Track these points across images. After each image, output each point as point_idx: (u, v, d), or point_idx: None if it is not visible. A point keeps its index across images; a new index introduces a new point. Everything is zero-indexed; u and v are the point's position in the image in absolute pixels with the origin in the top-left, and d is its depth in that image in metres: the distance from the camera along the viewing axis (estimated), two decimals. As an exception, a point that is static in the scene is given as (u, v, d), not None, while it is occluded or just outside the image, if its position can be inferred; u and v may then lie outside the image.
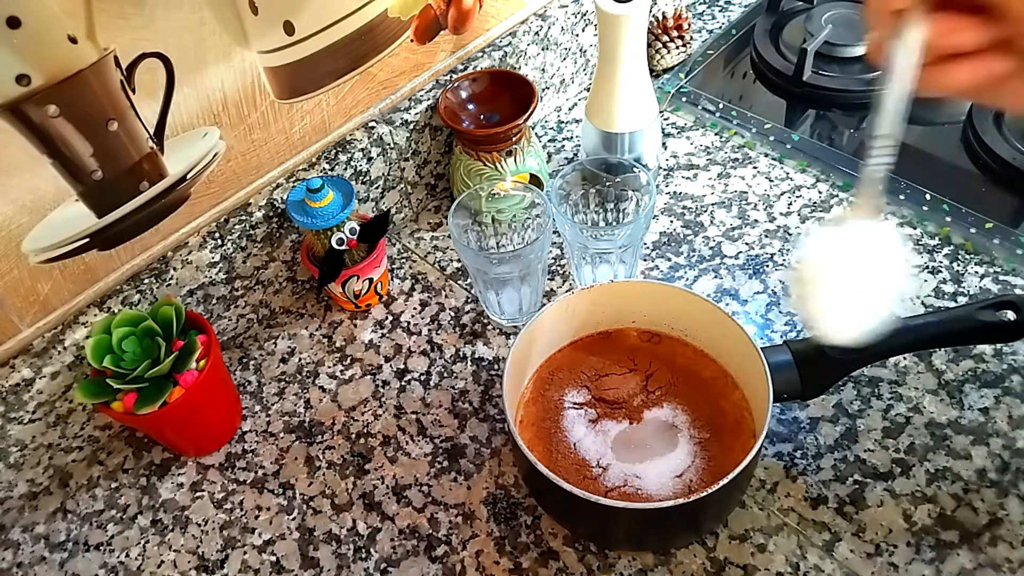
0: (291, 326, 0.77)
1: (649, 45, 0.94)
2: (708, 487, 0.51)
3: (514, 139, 0.76)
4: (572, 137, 0.91)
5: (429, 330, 0.75)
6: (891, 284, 0.41)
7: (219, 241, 0.70)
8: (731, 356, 0.63)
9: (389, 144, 0.77)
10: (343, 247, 0.70)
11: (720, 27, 1.02)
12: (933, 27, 0.37)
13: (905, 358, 0.67)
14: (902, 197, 0.78)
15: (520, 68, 0.85)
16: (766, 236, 0.78)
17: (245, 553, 0.62)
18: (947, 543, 0.57)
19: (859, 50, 0.92)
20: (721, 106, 0.90)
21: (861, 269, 0.41)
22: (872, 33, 0.38)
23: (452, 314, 0.76)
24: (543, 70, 0.89)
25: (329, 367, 0.74)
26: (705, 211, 0.81)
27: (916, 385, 0.66)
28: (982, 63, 0.37)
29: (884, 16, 0.37)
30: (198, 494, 0.66)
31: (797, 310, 0.42)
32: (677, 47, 0.95)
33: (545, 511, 0.61)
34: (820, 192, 0.81)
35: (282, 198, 0.72)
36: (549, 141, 0.91)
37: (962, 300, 0.71)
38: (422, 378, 0.72)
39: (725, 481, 0.51)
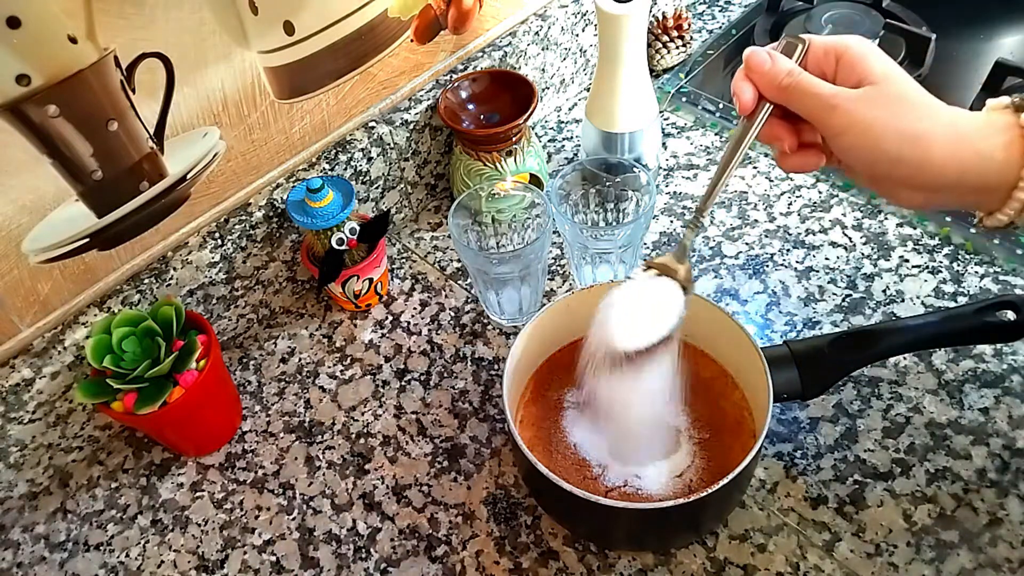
0: (291, 326, 0.77)
1: (649, 45, 0.94)
2: (708, 487, 0.51)
3: (514, 139, 0.76)
4: (572, 137, 0.91)
5: (429, 330, 0.75)
6: (661, 322, 0.52)
7: (219, 241, 0.70)
8: (731, 356, 0.63)
9: (389, 144, 0.77)
10: (343, 247, 0.70)
11: (720, 27, 1.02)
12: (764, 131, 0.50)
13: (905, 358, 0.67)
14: (902, 197, 0.78)
15: (520, 68, 0.85)
16: (766, 236, 0.78)
17: (245, 553, 0.62)
18: (947, 543, 0.57)
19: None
20: (721, 106, 0.90)
21: (643, 307, 0.53)
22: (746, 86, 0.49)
23: (452, 314, 0.76)
24: (543, 70, 0.89)
25: (329, 367, 0.74)
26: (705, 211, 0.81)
27: (916, 385, 0.66)
28: (804, 158, 0.51)
29: (738, 101, 0.49)
30: (198, 494, 0.66)
31: (594, 331, 0.54)
32: (677, 47, 0.95)
33: (545, 511, 0.61)
34: (820, 192, 0.81)
35: (282, 198, 0.72)
36: (549, 141, 0.91)
37: (962, 300, 0.71)
38: (422, 378, 0.72)
39: (725, 481, 0.51)
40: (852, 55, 0.47)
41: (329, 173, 0.74)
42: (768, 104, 0.49)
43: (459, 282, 0.79)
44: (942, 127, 0.45)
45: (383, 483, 0.65)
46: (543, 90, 0.91)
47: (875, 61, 0.46)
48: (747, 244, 0.77)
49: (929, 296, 0.71)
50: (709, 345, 0.65)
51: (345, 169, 0.75)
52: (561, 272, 0.78)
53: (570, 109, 0.95)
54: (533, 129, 0.88)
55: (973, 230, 0.74)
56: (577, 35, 0.90)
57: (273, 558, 0.62)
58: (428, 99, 0.79)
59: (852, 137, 0.46)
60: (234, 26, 0.62)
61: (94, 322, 0.64)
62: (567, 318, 0.65)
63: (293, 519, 0.64)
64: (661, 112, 0.91)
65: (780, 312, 0.72)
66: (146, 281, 0.67)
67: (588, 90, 0.82)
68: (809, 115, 0.47)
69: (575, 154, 0.89)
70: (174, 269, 0.68)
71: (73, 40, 0.54)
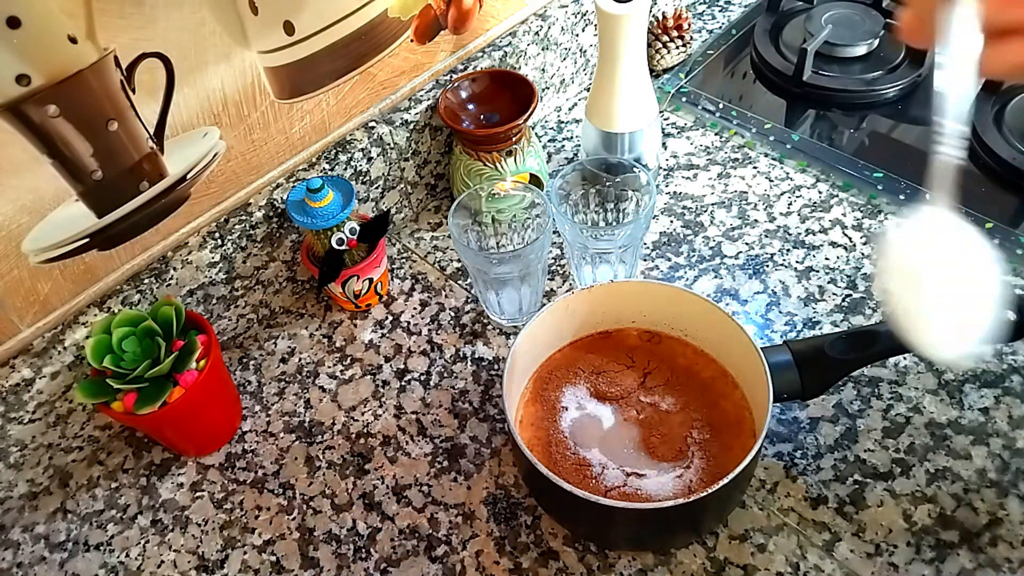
0: (291, 326, 0.77)
1: (649, 45, 0.94)
2: (708, 487, 0.51)
3: (514, 139, 0.76)
4: (572, 137, 0.91)
5: (429, 330, 0.75)
6: (986, 289, 0.35)
7: (219, 241, 0.70)
8: (731, 356, 0.63)
9: (389, 144, 0.77)
10: (343, 247, 0.70)
11: (720, 27, 1.02)
12: (987, 1, 0.34)
13: (905, 358, 0.67)
14: (902, 197, 0.78)
15: (520, 68, 0.85)
16: (766, 236, 0.78)
17: (245, 553, 0.62)
18: (947, 543, 0.57)
19: (859, 50, 0.92)
20: (721, 106, 0.90)
21: (957, 273, 0.36)
22: (908, 9, 0.35)
23: (452, 314, 0.76)
24: (543, 70, 0.89)
25: (329, 367, 0.74)
26: (705, 211, 0.81)
27: (916, 385, 0.66)
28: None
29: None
30: (198, 494, 0.66)
31: (897, 322, 0.38)
32: (677, 47, 0.95)
33: (545, 511, 0.61)
34: (820, 192, 0.81)
35: (282, 198, 0.72)
36: (549, 141, 0.91)
37: (962, 300, 0.71)
38: (422, 378, 0.72)
39: (725, 481, 0.51)
40: None
41: (329, 173, 0.74)
42: None
43: (459, 282, 0.79)
44: None
45: (383, 483, 0.65)
46: (543, 90, 0.91)
47: None
48: (747, 244, 0.77)
49: (929, 296, 0.71)
50: (709, 345, 0.65)
51: (345, 169, 0.75)
52: (561, 272, 0.78)
53: (570, 109, 0.95)
54: (533, 129, 0.88)
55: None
56: (577, 35, 0.90)
57: (273, 558, 0.62)
58: (428, 99, 0.79)
59: None
60: (234, 26, 0.62)
61: (94, 322, 0.64)
62: (567, 318, 0.65)
63: (293, 519, 0.64)
64: (661, 112, 0.91)
65: (780, 312, 0.72)
66: (146, 281, 0.67)
67: (588, 90, 0.82)
68: None
69: (575, 154, 0.89)
70: (174, 269, 0.68)
71: (73, 40, 0.54)
